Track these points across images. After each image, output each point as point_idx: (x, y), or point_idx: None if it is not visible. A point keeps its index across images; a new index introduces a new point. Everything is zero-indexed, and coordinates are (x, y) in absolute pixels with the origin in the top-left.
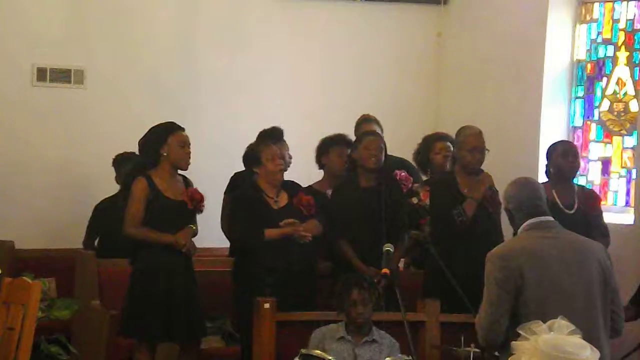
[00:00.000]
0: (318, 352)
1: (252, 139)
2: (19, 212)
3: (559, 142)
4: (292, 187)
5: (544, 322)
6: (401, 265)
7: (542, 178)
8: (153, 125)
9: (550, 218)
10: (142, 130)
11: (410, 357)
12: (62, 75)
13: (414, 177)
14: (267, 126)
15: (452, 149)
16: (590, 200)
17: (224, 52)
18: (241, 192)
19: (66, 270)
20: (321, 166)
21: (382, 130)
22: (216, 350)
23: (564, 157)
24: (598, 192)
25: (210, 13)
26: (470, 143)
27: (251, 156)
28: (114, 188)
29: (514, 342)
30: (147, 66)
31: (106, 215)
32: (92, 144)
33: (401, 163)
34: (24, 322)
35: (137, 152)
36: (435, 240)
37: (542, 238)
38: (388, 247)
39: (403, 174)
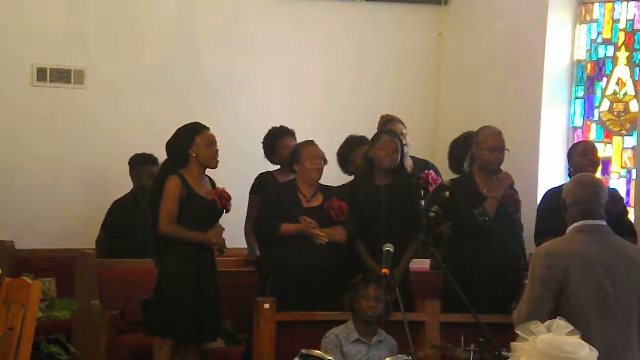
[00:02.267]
0: (318, 352)
1: (253, 138)
2: (19, 212)
3: (578, 142)
4: (328, 192)
5: (581, 325)
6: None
7: (542, 177)
8: (152, 125)
9: (603, 223)
10: (142, 130)
11: (410, 357)
12: (62, 75)
13: (441, 177)
14: (267, 126)
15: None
16: (614, 200)
17: (224, 52)
18: (276, 186)
19: (66, 270)
20: (350, 173)
21: (405, 128)
22: (216, 350)
23: (583, 155)
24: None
25: (211, 13)
26: (490, 142)
27: (293, 154)
28: (113, 188)
29: (512, 343)
30: (147, 66)
31: (122, 215)
32: (92, 144)
33: (425, 164)
34: (24, 322)
35: (149, 153)
36: (456, 240)
37: (590, 242)
38: (388, 247)
39: (432, 173)
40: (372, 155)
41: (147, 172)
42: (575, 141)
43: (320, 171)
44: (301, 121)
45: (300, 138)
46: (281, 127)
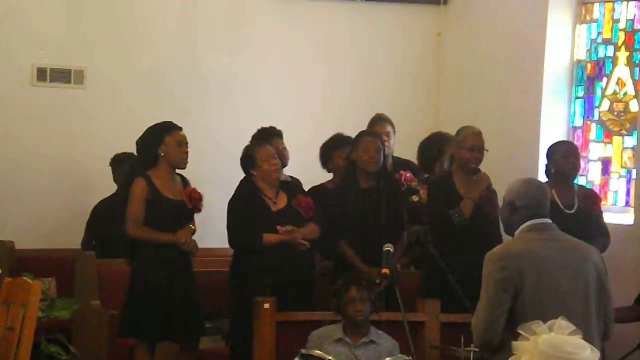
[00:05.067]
0: (318, 352)
1: None
2: (19, 212)
3: (560, 142)
4: (290, 189)
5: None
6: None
7: (542, 177)
8: (151, 124)
9: (549, 221)
10: (142, 130)
11: (410, 357)
12: (62, 75)
13: (418, 178)
14: (268, 126)
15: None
16: (591, 200)
17: (224, 52)
18: (239, 194)
19: (66, 270)
20: (329, 170)
21: (394, 129)
22: (216, 350)
23: (566, 158)
24: (598, 192)
25: (211, 13)
26: (469, 142)
27: (247, 158)
28: (114, 188)
29: (514, 342)
30: (147, 66)
31: (102, 217)
32: (92, 144)
33: (406, 164)
34: (24, 322)
35: (135, 152)
36: (432, 240)
37: (541, 240)
38: (388, 247)
39: (408, 174)
40: (355, 157)
41: None
42: (577, 141)
43: (278, 170)
44: (300, 121)
45: (300, 138)
46: (270, 127)
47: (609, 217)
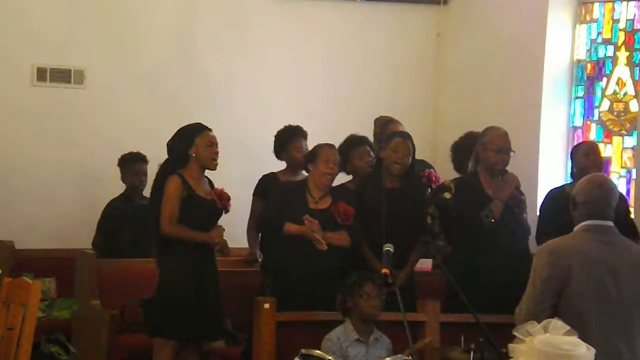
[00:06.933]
0: (318, 352)
1: (253, 138)
2: (19, 212)
3: (582, 142)
4: (338, 195)
5: (583, 324)
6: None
7: (542, 177)
8: (152, 125)
9: (610, 223)
10: (142, 130)
11: (410, 357)
12: (62, 75)
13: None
14: (267, 126)
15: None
16: (619, 200)
17: (224, 52)
18: (286, 184)
19: (66, 270)
20: (348, 172)
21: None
22: (216, 350)
23: (586, 157)
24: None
25: (211, 13)
26: (496, 144)
27: (310, 153)
28: (113, 188)
29: (510, 344)
30: (147, 66)
31: (115, 215)
32: (91, 144)
33: (423, 164)
34: (24, 322)
35: (142, 153)
36: (460, 242)
37: (596, 242)
38: (388, 247)
39: (434, 173)
40: (384, 156)
41: (139, 170)
42: (577, 141)
43: (332, 176)
44: (301, 121)
45: None
46: (297, 127)
47: None
